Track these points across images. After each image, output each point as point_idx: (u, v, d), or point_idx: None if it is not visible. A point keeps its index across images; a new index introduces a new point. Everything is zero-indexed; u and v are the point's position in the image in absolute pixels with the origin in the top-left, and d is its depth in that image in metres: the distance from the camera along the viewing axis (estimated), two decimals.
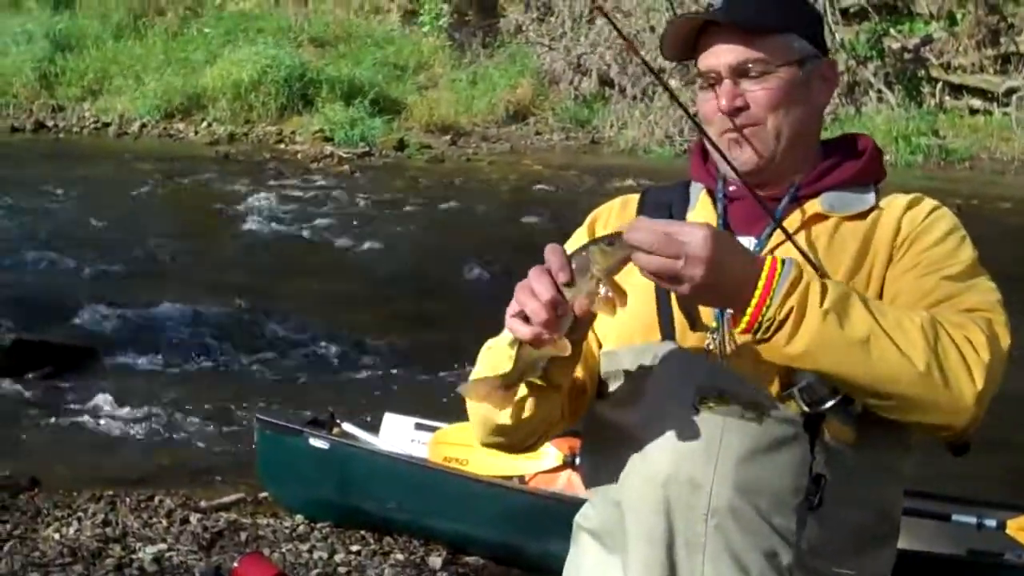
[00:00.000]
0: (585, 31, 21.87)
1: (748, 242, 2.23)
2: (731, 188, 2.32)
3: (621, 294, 2.00)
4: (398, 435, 6.39)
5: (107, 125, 20.12)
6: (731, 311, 2.11)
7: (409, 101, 20.93)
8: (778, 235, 2.24)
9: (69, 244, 12.72)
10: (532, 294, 1.99)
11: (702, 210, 2.33)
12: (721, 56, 2.24)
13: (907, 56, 21.09)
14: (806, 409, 2.11)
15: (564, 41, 21.93)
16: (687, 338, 2.22)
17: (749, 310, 1.99)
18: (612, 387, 2.30)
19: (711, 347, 2.20)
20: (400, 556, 5.98)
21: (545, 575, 5.29)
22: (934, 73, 21.12)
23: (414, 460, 6.12)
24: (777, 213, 2.26)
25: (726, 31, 2.24)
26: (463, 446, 6.00)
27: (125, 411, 8.16)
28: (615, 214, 2.43)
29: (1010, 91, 20.59)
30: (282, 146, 19.09)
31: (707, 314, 2.21)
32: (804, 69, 2.25)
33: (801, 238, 2.23)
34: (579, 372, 2.28)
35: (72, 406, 8.26)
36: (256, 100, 20.17)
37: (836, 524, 2.19)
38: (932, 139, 19.73)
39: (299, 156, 18.55)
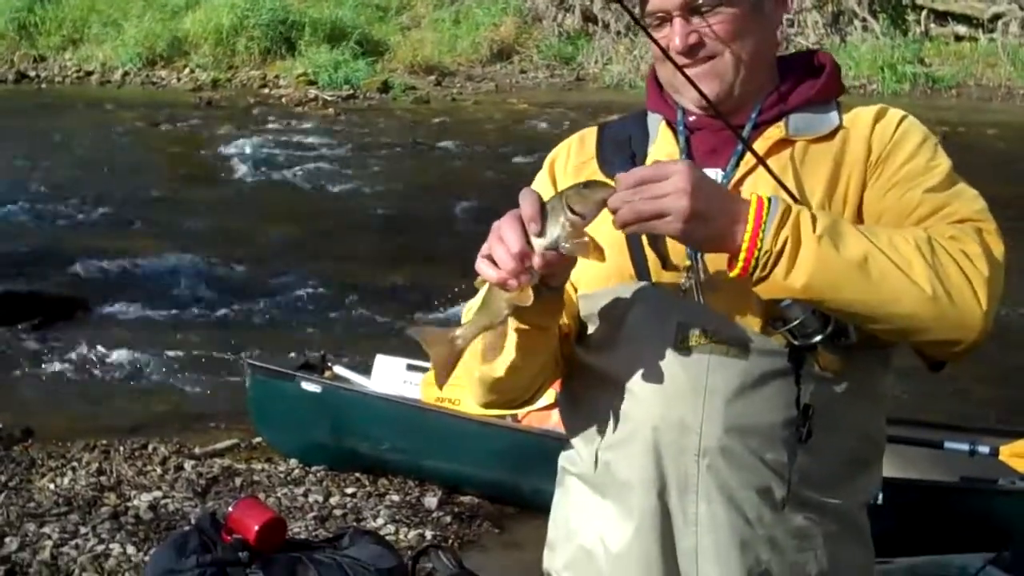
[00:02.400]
0: None
1: (714, 173, 2.17)
2: (691, 119, 2.25)
3: (595, 245, 1.96)
4: (390, 376, 6.42)
5: (89, 74, 20.13)
6: (711, 254, 2.10)
7: (392, 42, 20.91)
8: (744, 164, 2.20)
9: (55, 195, 12.73)
10: (501, 240, 1.96)
11: (663, 142, 2.26)
12: None
13: None
14: (795, 343, 2.08)
15: None
16: (662, 277, 2.17)
17: (744, 247, 1.95)
18: (590, 330, 2.25)
19: (686, 286, 2.15)
20: (395, 497, 6.02)
21: (539, 512, 5.32)
22: (919, 0, 21.03)
23: (407, 401, 6.17)
24: (740, 141, 2.20)
25: None
26: (455, 386, 5.86)
27: (116, 360, 8.19)
28: (574, 151, 2.36)
29: (996, 17, 20.56)
30: (266, 91, 19.09)
31: (679, 253, 2.16)
32: None
33: (770, 166, 2.18)
34: (564, 317, 2.24)
35: (63, 356, 8.27)
36: (239, 45, 20.17)
37: (825, 453, 2.17)
38: (918, 67, 19.73)
39: (283, 100, 18.57)
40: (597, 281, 2.22)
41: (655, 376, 2.13)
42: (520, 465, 5.74)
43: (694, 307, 2.14)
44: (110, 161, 14.44)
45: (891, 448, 2.65)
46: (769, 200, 1.97)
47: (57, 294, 9.41)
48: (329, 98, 18.48)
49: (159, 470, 6.28)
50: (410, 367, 6.41)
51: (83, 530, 5.51)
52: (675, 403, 2.12)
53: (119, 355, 8.24)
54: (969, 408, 7.16)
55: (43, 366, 8.13)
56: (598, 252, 1.96)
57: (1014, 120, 17.49)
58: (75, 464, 6.31)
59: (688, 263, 2.15)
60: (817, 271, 1.95)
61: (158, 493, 5.97)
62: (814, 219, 1.97)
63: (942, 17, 21.05)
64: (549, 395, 5.87)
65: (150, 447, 6.56)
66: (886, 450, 2.36)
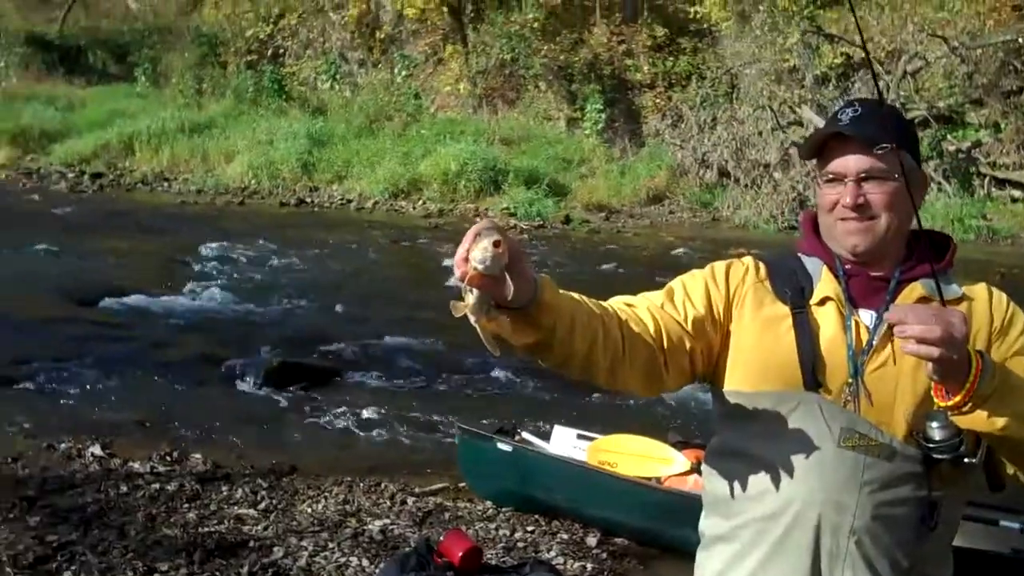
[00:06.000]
0: (708, 135, 21.76)
1: (868, 314, 2.17)
2: (847, 267, 2.22)
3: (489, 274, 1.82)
4: (564, 442, 6.38)
5: (349, 202, 20.54)
6: (869, 376, 2.12)
7: (573, 186, 21.03)
8: None
9: (320, 290, 12.95)
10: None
11: (827, 282, 2.21)
12: (850, 163, 2.17)
13: (961, 156, 20.60)
14: (932, 455, 2.04)
15: (692, 142, 21.85)
16: (828, 390, 2.13)
17: (966, 387, 1.95)
18: (747, 421, 2.17)
19: (848, 398, 2.12)
20: (564, 535, 5.96)
21: (676, 554, 5.36)
22: (983, 170, 20.56)
23: (576, 462, 6.10)
24: (889, 291, 2.19)
25: (855, 143, 2.16)
26: (614, 453, 6.01)
27: (360, 417, 8.22)
28: (751, 272, 2.29)
29: None
30: (478, 219, 19.02)
31: (843, 371, 2.14)
32: (910, 179, 2.16)
33: None
34: (649, 338, 2.13)
35: (321, 412, 8.34)
36: (459, 184, 20.45)
37: (940, 538, 2.16)
38: (981, 221, 19.20)
39: None
40: (765, 382, 2.17)
41: (820, 466, 2.10)
42: (661, 517, 5.65)
43: (852, 416, 2.11)
44: (362, 267, 14.72)
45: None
46: (980, 354, 1.97)
47: (319, 365, 9.50)
48: (524, 226, 18.63)
49: (388, 503, 6.30)
50: (580, 436, 6.35)
51: (331, 545, 5.54)
52: (836, 489, 2.09)
53: (362, 413, 8.27)
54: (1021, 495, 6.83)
55: (306, 419, 8.19)
56: (489, 281, 1.82)
57: None
58: (327, 494, 6.36)
59: (849, 382, 2.12)
60: (1012, 415, 1.97)
61: (387, 520, 5.99)
62: (1007, 372, 2.00)
63: (1001, 183, 20.53)
64: (685, 464, 5.88)
65: (382, 484, 6.58)
66: None
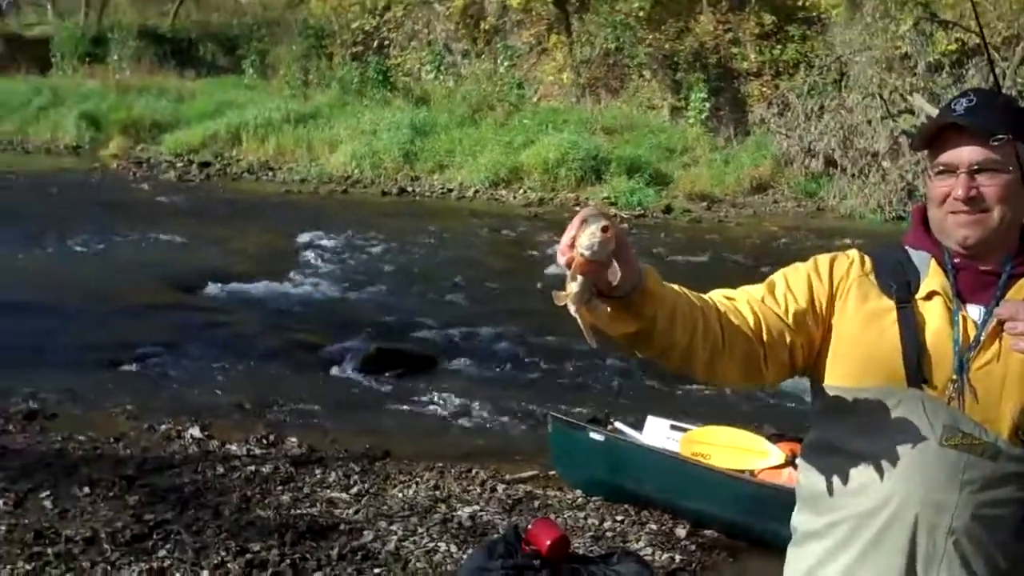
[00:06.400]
0: (815, 123, 21.38)
1: (977, 309, 2.12)
2: (956, 260, 2.16)
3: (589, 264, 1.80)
4: (657, 433, 6.33)
5: (450, 191, 20.57)
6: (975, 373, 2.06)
7: (675, 176, 20.81)
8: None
9: (419, 278, 13.07)
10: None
11: (935, 276, 2.16)
12: (963, 154, 2.11)
13: None
14: None
15: (798, 131, 21.48)
16: (932, 387, 2.09)
17: None
18: (847, 417, 2.14)
19: (952, 396, 2.08)
20: (653, 526, 5.92)
21: (767, 548, 5.28)
22: None
23: (669, 453, 6.06)
24: (999, 286, 2.13)
25: (968, 134, 2.10)
26: (708, 444, 5.98)
27: (453, 404, 8.26)
28: (856, 265, 2.24)
29: None
30: (578, 208, 18.97)
31: (948, 367, 2.09)
32: None
33: None
34: (750, 334, 2.10)
35: (415, 398, 8.40)
36: (560, 173, 20.35)
37: None
38: None
39: None
40: (867, 377, 2.13)
41: (919, 464, 2.06)
42: (753, 510, 5.58)
43: (956, 414, 2.06)
44: (461, 255, 14.77)
45: None
46: None
47: (415, 352, 9.56)
48: (625, 216, 18.44)
49: (479, 489, 6.31)
50: (673, 427, 6.30)
51: (420, 530, 5.58)
52: (936, 488, 2.05)
53: (456, 400, 8.31)
54: None
55: (400, 404, 8.26)
56: (596, 268, 1.80)
57: None
58: (418, 479, 6.39)
59: (954, 378, 2.07)
60: None
61: (477, 507, 6.00)
62: None
63: None
64: (780, 457, 5.78)
65: (473, 471, 6.60)
66: None
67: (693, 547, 5.68)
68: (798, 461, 2.36)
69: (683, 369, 2.08)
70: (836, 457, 2.16)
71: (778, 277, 2.26)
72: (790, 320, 2.16)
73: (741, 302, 2.17)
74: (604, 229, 1.77)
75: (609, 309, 1.89)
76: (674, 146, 21.77)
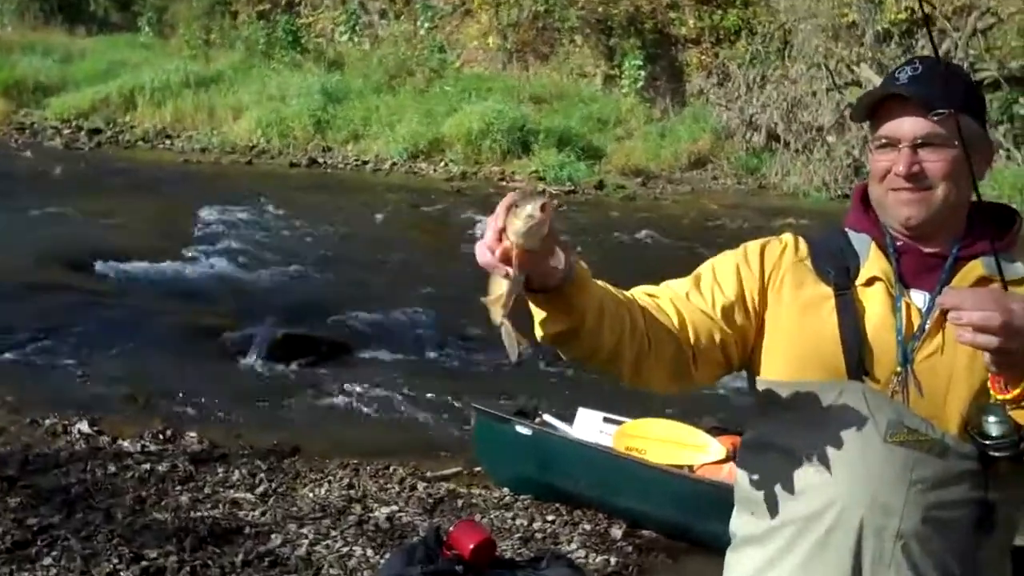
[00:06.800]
0: (757, 95, 21.58)
1: (921, 295, 2.11)
2: (899, 243, 2.15)
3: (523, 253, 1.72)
4: (589, 426, 6.35)
5: (365, 163, 20.41)
6: (920, 365, 2.07)
7: (608, 149, 20.85)
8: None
9: (331, 258, 12.96)
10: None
11: (875, 260, 2.15)
12: (906, 127, 2.10)
13: None
14: (989, 452, 1.98)
15: (739, 103, 21.68)
16: (874, 380, 2.07)
17: None
18: (785, 413, 2.13)
19: (896, 389, 2.06)
20: (587, 526, 5.95)
21: (708, 550, 5.28)
22: None
23: (601, 448, 6.09)
24: (945, 270, 2.12)
25: (912, 105, 2.09)
26: (643, 438, 6.01)
27: (369, 395, 8.23)
28: (790, 250, 2.22)
29: None
30: (503, 183, 19.05)
31: (891, 359, 2.08)
32: (971, 146, 2.08)
33: None
34: (676, 331, 2.09)
35: (327, 389, 8.36)
36: (484, 145, 20.28)
37: (997, 543, 2.12)
38: None
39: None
40: (805, 370, 2.11)
41: (864, 463, 2.05)
42: (693, 509, 5.65)
43: (901, 408, 2.05)
44: (375, 233, 14.69)
45: None
46: None
47: (327, 339, 9.51)
48: (554, 192, 18.32)
49: (397, 488, 6.30)
50: (606, 419, 6.33)
51: (333, 533, 5.55)
52: (882, 489, 2.04)
53: (372, 391, 8.29)
54: None
55: (311, 396, 8.21)
56: (532, 257, 1.73)
57: None
58: (331, 478, 6.36)
59: (898, 370, 2.06)
60: None
61: (395, 507, 5.99)
62: None
63: None
64: (720, 451, 5.83)
65: (391, 468, 6.60)
66: None
67: (629, 549, 5.73)
68: (736, 462, 2.37)
69: (608, 371, 2.06)
70: (774, 457, 2.14)
71: (705, 269, 2.24)
72: (718, 316, 2.15)
73: (664, 300, 2.15)
74: (543, 207, 1.70)
75: (536, 307, 1.84)
76: (607, 117, 21.80)
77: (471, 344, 9.64)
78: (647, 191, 19.31)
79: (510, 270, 1.73)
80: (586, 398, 7.06)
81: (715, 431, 6.00)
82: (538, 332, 1.93)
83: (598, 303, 1.93)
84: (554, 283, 1.84)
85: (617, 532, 5.86)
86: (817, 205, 18.43)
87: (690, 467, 5.80)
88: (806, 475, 2.09)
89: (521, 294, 1.80)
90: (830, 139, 20.47)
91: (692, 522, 5.67)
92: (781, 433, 2.13)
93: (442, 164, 20.27)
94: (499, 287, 1.76)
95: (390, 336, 9.82)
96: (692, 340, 2.11)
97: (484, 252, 1.74)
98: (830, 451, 2.06)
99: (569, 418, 6.45)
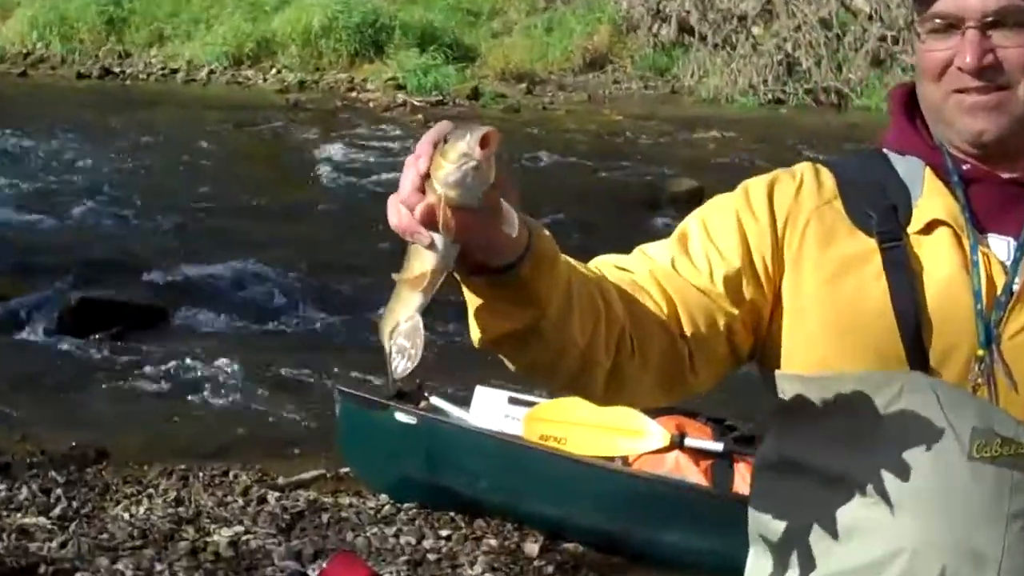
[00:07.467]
0: None
1: (1003, 241, 1.91)
2: (966, 167, 1.94)
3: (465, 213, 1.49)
4: (491, 410, 6.33)
5: (175, 72, 20.35)
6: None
7: (483, 48, 20.99)
8: None
9: (135, 197, 12.83)
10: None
11: (935, 195, 1.93)
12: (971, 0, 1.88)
13: None
14: None
15: None
16: (947, 368, 1.87)
17: None
18: (819, 421, 1.91)
19: (978, 380, 1.86)
20: (493, 542, 5.93)
21: (650, 563, 5.54)
22: None
23: (508, 438, 6.05)
24: None
25: None
26: (562, 423, 5.99)
27: (197, 375, 8.17)
28: (809, 188, 1.99)
29: None
30: (353, 94, 19.25)
31: (969, 337, 1.86)
32: None
33: None
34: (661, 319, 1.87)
35: (141, 370, 8.26)
36: (327, 47, 20.28)
37: None
38: None
39: (371, 105, 18.70)
40: (845, 358, 1.89)
41: (944, 490, 1.84)
42: (630, 512, 5.73)
43: (989, 408, 1.83)
44: (193, 162, 14.64)
45: None
46: None
47: (135, 302, 9.42)
48: (418, 104, 18.54)
49: (240, 501, 6.24)
50: (512, 400, 6.27)
51: (159, 567, 5.47)
52: (970, 526, 1.83)
53: (200, 369, 8.22)
54: None
55: (119, 380, 8.12)
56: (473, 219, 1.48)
57: None
58: (151, 491, 6.28)
59: (980, 353, 1.83)
60: None
61: (239, 528, 5.90)
62: None
63: None
64: (664, 437, 5.80)
65: (231, 474, 6.55)
66: None
67: (550, 568, 5.69)
68: (751, 488, 2.15)
69: (575, 386, 1.82)
70: (808, 483, 1.93)
71: (693, 226, 1.99)
72: (720, 290, 1.91)
73: (642, 275, 1.89)
74: (483, 142, 1.42)
75: (472, 295, 1.61)
76: (479, 8, 21.93)
77: (330, 305, 9.64)
78: (533, 100, 19.45)
79: (437, 237, 1.49)
80: (486, 373, 6.90)
81: (654, 411, 5.88)
82: (474, 333, 1.65)
83: (565, 288, 1.65)
84: (504, 261, 1.55)
85: (533, 547, 5.82)
86: (744, 112, 18.75)
87: (624, 458, 5.80)
88: (858, 510, 1.87)
89: (452, 274, 1.56)
90: (755, 30, 20.68)
91: (629, 528, 5.70)
92: (815, 450, 1.92)
93: (273, 71, 20.31)
94: (421, 261, 1.52)
95: (220, 297, 9.75)
96: (688, 330, 1.86)
97: (398, 210, 1.50)
98: (891, 475, 1.85)
99: (465, 400, 6.40)
